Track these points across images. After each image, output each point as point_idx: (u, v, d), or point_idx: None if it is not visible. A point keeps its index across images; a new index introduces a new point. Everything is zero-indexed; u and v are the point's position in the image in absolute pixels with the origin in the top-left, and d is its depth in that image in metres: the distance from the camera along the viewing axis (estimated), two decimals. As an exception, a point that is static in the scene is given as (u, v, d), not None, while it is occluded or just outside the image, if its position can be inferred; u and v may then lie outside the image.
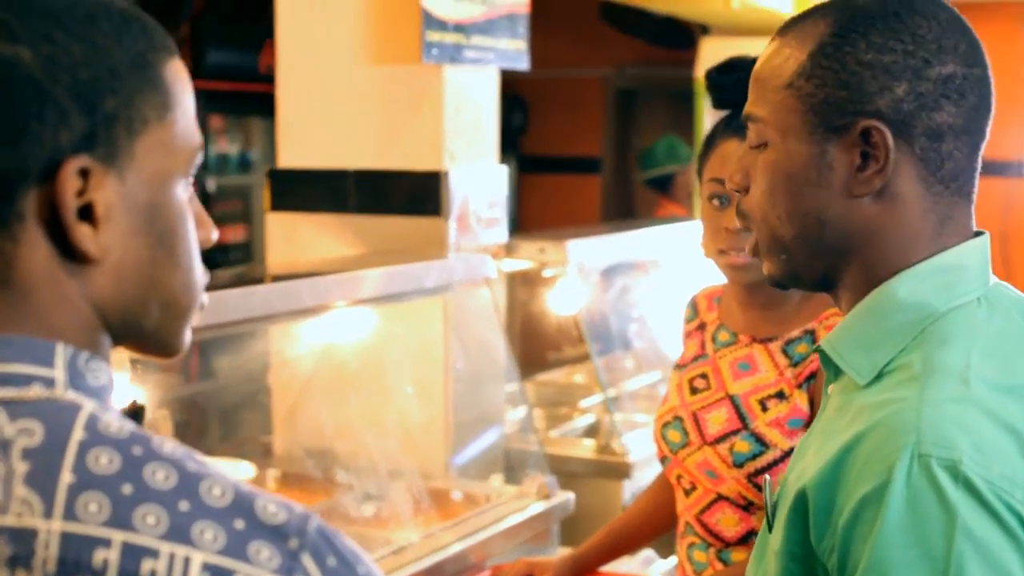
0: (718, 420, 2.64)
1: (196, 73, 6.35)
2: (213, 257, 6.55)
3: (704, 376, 2.73)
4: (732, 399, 2.65)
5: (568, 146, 9.73)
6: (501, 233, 3.94)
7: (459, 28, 3.73)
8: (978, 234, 1.59)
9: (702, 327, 2.83)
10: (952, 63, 1.52)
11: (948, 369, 1.46)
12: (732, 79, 2.59)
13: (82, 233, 1.15)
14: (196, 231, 1.25)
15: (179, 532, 1.07)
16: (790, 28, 1.61)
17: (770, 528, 1.62)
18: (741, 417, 2.62)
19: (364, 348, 3.61)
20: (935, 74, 1.51)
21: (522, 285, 4.58)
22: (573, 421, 4.55)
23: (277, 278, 3.22)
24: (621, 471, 3.99)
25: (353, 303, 3.25)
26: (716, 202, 2.64)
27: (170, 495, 1.08)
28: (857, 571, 1.40)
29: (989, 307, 1.53)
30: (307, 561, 1.10)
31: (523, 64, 4.08)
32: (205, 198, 6.59)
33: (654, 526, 2.97)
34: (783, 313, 2.67)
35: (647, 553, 3.35)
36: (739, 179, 1.64)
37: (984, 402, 1.43)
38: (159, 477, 1.09)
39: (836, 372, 1.61)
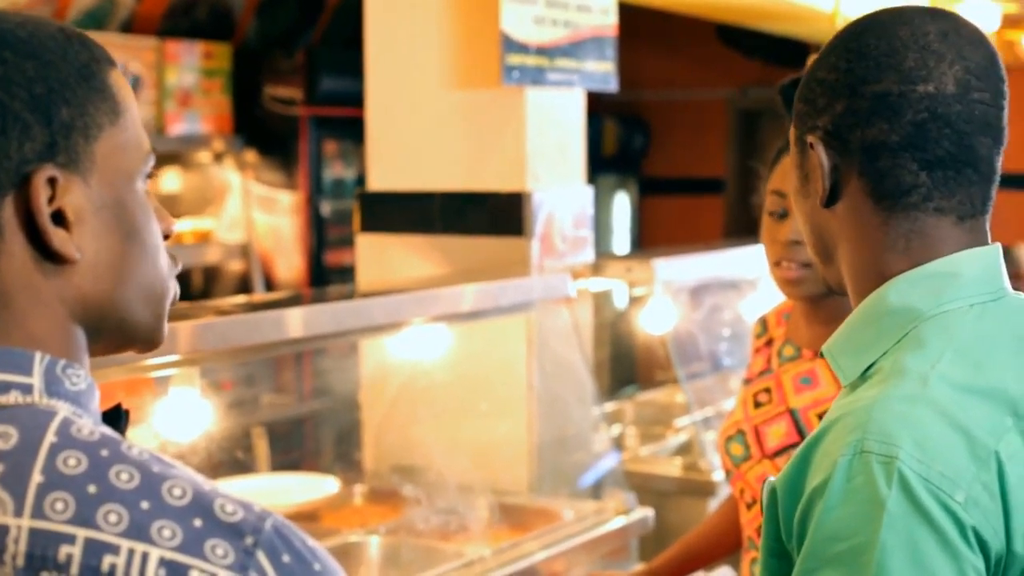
0: (777, 434, 2.65)
1: (310, 100, 6.50)
2: (329, 279, 6.68)
3: (767, 390, 2.74)
4: (792, 413, 2.66)
5: (690, 167, 9.72)
6: (588, 253, 3.98)
7: (542, 51, 3.79)
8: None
9: (770, 343, 2.84)
10: (889, 81, 1.53)
11: (911, 370, 1.47)
12: None
13: (59, 237, 1.21)
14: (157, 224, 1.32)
15: (139, 530, 1.12)
16: None
17: None
18: (800, 431, 2.63)
19: (448, 365, 3.68)
20: (869, 91, 1.54)
21: (614, 304, 4.61)
22: (666, 440, 4.56)
23: (364, 295, 3.29)
24: (706, 489, 4.00)
25: (432, 320, 3.31)
26: (774, 215, 2.66)
27: (132, 495, 1.14)
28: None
29: (982, 313, 1.53)
30: (262, 558, 1.14)
31: (611, 86, 4.11)
32: (319, 221, 6.71)
33: (727, 541, 2.98)
34: (846, 329, 2.67)
35: (723, 570, 3.36)
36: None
37: (939, 402, 1.43)
38: (123, 478, 1.15)
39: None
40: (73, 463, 1.15)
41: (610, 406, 4.75)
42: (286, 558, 1.15)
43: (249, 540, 1.14)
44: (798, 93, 1.63)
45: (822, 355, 1.65)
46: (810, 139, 1.58)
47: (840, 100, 1.56)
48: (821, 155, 1.57)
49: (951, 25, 1.56)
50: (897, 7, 1.61)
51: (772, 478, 1.57)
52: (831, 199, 1.59)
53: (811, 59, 1.68)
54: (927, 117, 1.53)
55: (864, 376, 1.54)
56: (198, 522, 1.14)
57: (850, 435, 1.43)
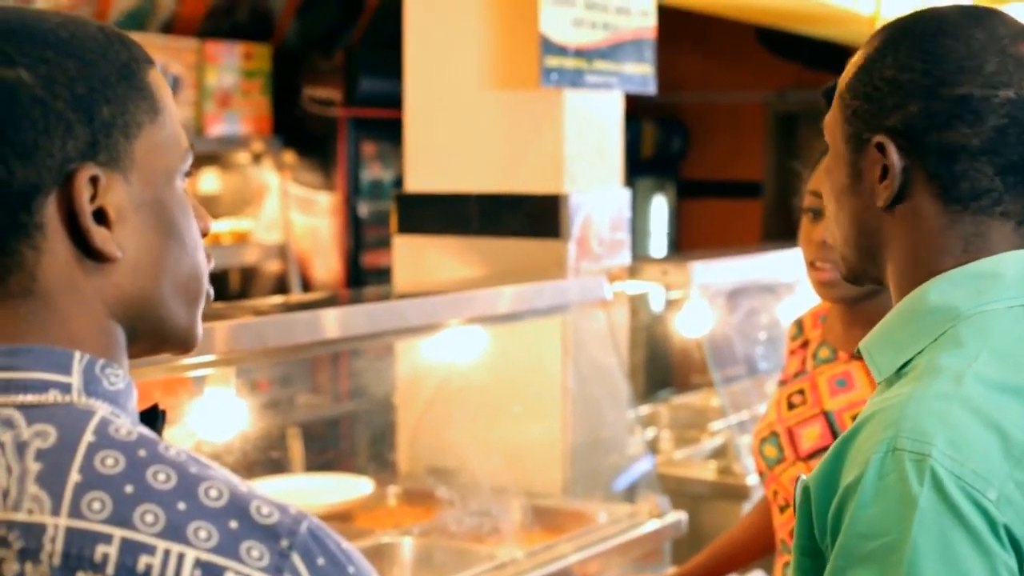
0: (811, 436, 2.65)
1: (349, 101, 6.51)
2: (366, 280, 6.69)
3: (801, 392, 2.74)
4: (827, 415, 2.66)
5: (729, 170, 9.69)
6: (625, 256, 3.98)
7: (580, 53, 3.79)
8: None
9: (805, 344, 2.84)
10: (971, 85, 1.53)
11: (947, 368, 1.47)
12: None
13: (101, 236, 1.22)
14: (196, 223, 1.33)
15: (175, 530, 1.13)
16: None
17: None
18: (834, 433, 2.62)
19: (483, 367, 3.68)
20: (949, 94, 1.53)
21: (650, 307, 4.60)
22: (701, 443, 4.56)
23: (401, 297, 3.30)
24: (740, 493, 3.99)
25: (468, 321, 3.32)
26: (811, 215, 2.66)
27: (169, 495, 1.14)
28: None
29: (1021, 316, 1.52)
30: (296, 560, 1.14)
31: (650, 88, 4.11)
32: (357, 223, 6.72)
33: (759, 545, 2.97)
34: (883, 331, 2.66)
35: (756, 573, 3.36)
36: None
37: (973, 400, 1.43)
38: (160, 478, 1.15)
39: None
40: (111, 463, 1.15)
41: (644, 409, 4.75)
42: (321, 561, 1.15)
43: (284, 542, 1.15)
44: (854, 90, 1.61)
45: (858, 352, 1.65)
46: (877, 139, 1.57)
47: (914, 101, 1.55)
48: (893, 156, 1.56)
49: (1018, 29, 1.58)
50: (959, 5, 1.61)
51: (804, 476, 1.56)
52: (895, 200, 1.58)
53: (859, 56, 1.66)
54: (1008, 123, 1.53)
55: (899, 373, 1.54)
56: (234, 524, 1.14)
57: (883, 432, 1.42)
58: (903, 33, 1.60)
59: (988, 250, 1.56)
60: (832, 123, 1.65)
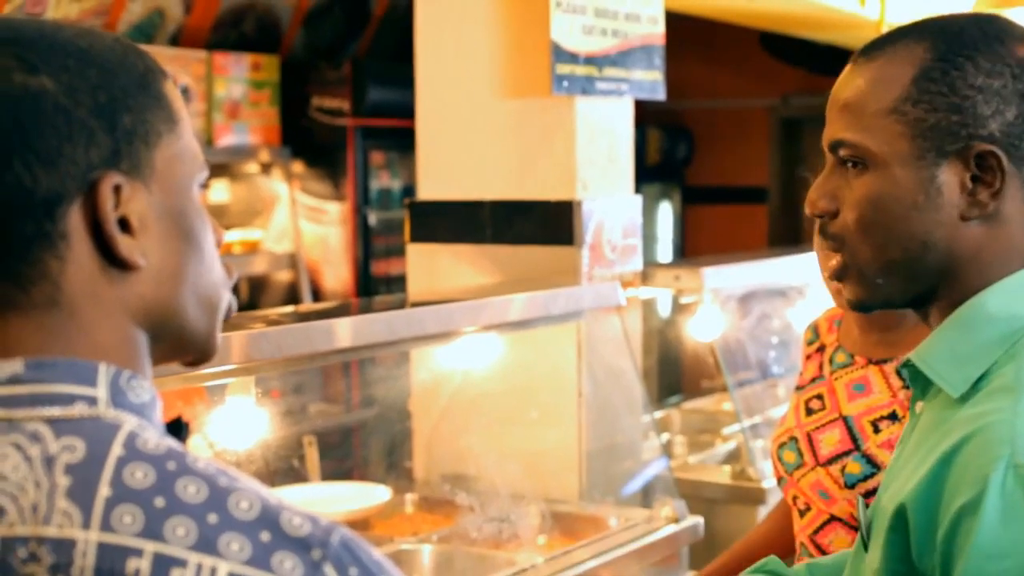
0: (831, 441, 2.66)
1: (357, 111, 6.51)
2: (376, 288, 6.69)
3: (820, 397, 2.74)
4: (845, 420, 2.66)
5: (734, 176, 9.69)
6: (637, 262, 3.98)
7: (591, 60, 3.79)
8: None
9: (821, 349, 2.85)
10: None
11: None
12: None
13: (126, 244, 1.23)
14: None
15: (207, 543, 1.12)
16: (877, 52, 1.62)
17: (865, 547, 1.64)
18: (853, 438, 2.63)
19: (499, 374, 3.68)
20: None
21: (660, 312, 4.60)
22: (715, 448, 4.56)
23: (415, 305, 3.30)
24: (756, 497, 3.99)
25: (483, 329, 3.32)
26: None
27: (200, 508, 1.14)
28: None
29: None
30: (329, 572, 1.14)
31: (660, 94, 4.11)
32: (366, 232, 6.73)
33: (776, 549, 2.96)
34: (899, 335, 2.67)
35: (774, 577, 3.35)
36: (824, 204, 1.65)
37: None
38: (190, 491, 1.15)
39: (924, 387, 1.62)
40: (140, 476, 1.15)
41: (657, 414, 4.75)
42: (354, 571, 1.15)
43: (317, 553, 1.14)
44: (929, 103, 1.57)
45: (907, 364, 1.63)
46: (982, 148, 1.55)
47: (1010, 107, 1.55)
48: (1004, 163, 1.55)
49: None
50: (985, 14, 1.63)
51: (860, 497, 1.56)
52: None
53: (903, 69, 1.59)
54: None
55: (976, 387, 1.53)
56: (266, 535, 1.14)
57: (996, 450, 1.42)
58: (966, 40, 1.58)
59: None
60: (877, 142, 1.59)
